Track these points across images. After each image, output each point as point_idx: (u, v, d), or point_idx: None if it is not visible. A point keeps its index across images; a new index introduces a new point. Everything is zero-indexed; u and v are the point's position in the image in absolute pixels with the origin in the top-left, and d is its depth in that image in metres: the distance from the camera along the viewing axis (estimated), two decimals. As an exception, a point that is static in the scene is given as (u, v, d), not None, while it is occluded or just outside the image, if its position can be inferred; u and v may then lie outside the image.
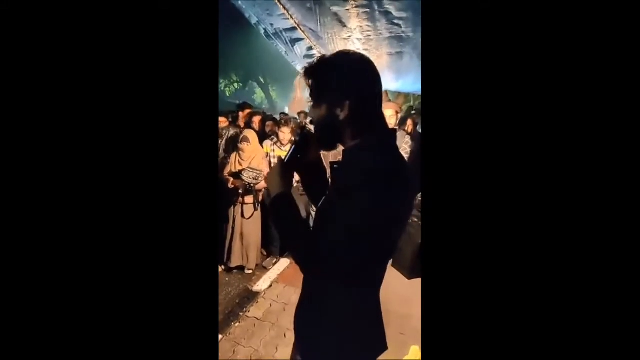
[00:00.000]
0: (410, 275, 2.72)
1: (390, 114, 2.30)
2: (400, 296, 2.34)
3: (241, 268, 2.83)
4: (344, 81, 0.72)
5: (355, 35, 2.96)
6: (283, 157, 0.84)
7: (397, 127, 2.64)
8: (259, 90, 17.84)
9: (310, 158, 0.88)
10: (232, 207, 2.74)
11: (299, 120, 4.56)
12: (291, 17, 2.87)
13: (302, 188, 1.03)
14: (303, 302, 0.86)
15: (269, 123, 3.55)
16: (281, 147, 2.92)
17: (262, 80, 16.62)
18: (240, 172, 2.60)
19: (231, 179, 2.65)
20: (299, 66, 4.05)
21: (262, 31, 3.34)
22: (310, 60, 0.76)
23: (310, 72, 0.75)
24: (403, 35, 2.80)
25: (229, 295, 2.56)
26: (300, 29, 3.06)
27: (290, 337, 0.90)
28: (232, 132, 3.02)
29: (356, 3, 2.48)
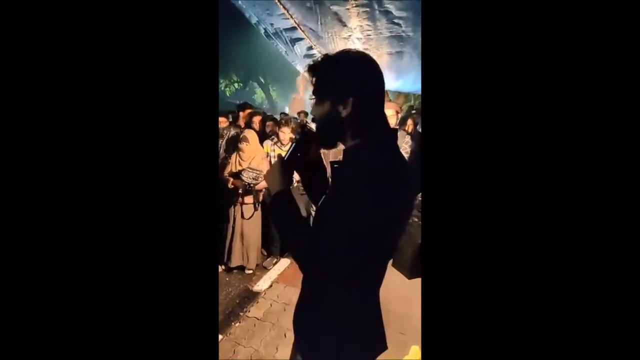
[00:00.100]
0: (410, 275, 2.72)
1: (391, 114, 2.29)
2: (401, 296, 2.34)
3: (241, 268, 2.83)
4: (347, 78, 0.72)
5: (355, 35, 2.95)
6: (283, 155, 0.84)
7: (397, 127, 2.64)
8: (259, 90, 17.84)
9: (311, 157, 0.88)
10: (232, 207, 2.74)
11: (299, 120, 4.56)
12: (291, 16, 2.87)
13: (302, 188, 1.02)
14: (302, 301, 0.86)
15: (269, 123, 3.55)
16: (281, 147, 2.92)
17: (262, 80, 16.62)
18: (240, 172, 2.60)
19: (231, 179, 2.65)
20: (299, 66, 4.06)
21: (262, 31, 3.34)
22: (314, 58, 0.76)
23: (314, 69, 0.75)
24: (403, 34, 2.80)
25: (229, 295, 2.56)
26: (300, 29, 3.06)
27: (291, 337, 0.90)
28: (232, 132, 3.02)
29: (356, 2, 2.48)
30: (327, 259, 0.67)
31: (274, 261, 3.04)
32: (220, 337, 2.04)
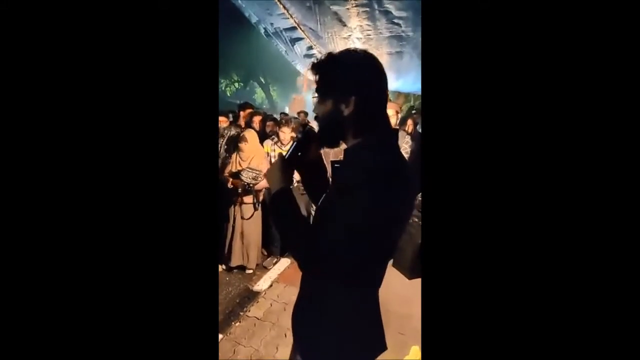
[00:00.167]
0: (410, 276, 2.72)
1: (391, 114, 2.30)
2: (401, 296, 2.34)
3: (242, 268, 2.83)
4: (350, 77, 0.72)
5: (355, 35, 2.95)
6: (284, 154, 0.84)
7: (397, 127, 2.64)
8: (259, 90, 17.83)
9: (312, 156, 0.88)
10: (233, 207, 2.74)
11: (299, 120, 4.56)
12: (291, 16, 2.87)
13: (302, 188, 1.02)
14: (301, 301, 0.86)
15: (269, 123, 3.55)
16: (281, 147, 2.92)
17: (262, 80, 16.61)
18: (239, 172, 2.60)
19: (230, 179, 2.65)
20: (300, 66, 4.05)
21: (262, 30, 3.34)
22: (318, 57, 0.76)
23: (318, 67, 0.75)
24: (403, 34, 2.80)
25: (230, 295, 2.56)
26: (300, 29, 3.06)
27: (291, 337, 0.90)
28: (233, 132, 3.01)
29: (356, 2, 2.47)
30: (327, 258, 0.67)
31: (274, 261, 3.04)
32: (220, 336, 2.04)
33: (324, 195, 0.83)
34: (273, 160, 2.84)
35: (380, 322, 0.83)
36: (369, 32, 2.89)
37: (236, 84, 16.75)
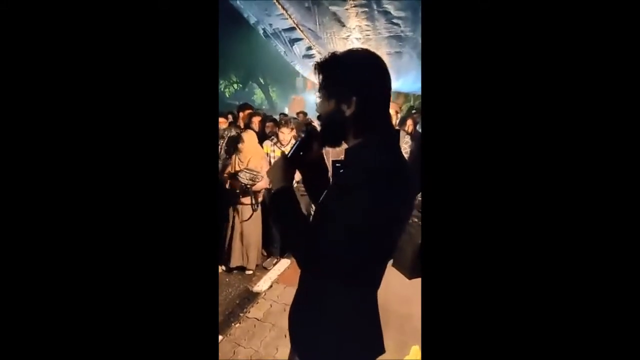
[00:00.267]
0: (410, 275, 2.72)
1: (390, 114, 2.29)
2: (401, 296, 2.34)
3: (241, 268, 2.83)
4: (352, 77, 0.72)
5: (354, 35, 2.96)
6: (286, 153, 0.84)
7: (397, 127, 2.64)
8: (258, 91, 17.83)
9: (314, 155, 0.88)
10: (232, 207, 2.73)
11: (298, 120, 4.56)
12: (290, 16, 2.88)
13: (302, 189, 1.02)
14: (299, 301, 0.86)
15: (269, 124, 3.54)
16: (281, 148, 2.91)
17: (261, 80, 16.61)
18: (237, 173, 2.60)
19: (229, 180, 2.65)
20: (299, 66, 4.06)
21: (261, 31, 3.34)
22: (323, 56, 0.76)
23: (321, 67, 0.75)
24: (402, 34, 2.80)
25: (229, 296, 2.56)
26: (299, 29, 3.06)
27: (291, 337, 0.89)
28: (233, 133, 3.01)
29: (355, 2, 2.48)
30: (326, 257, 0.67)
31: (274, 262, 3.03)
32: (220, 337, 2.04)
33: (323, 194, 0.83)
34: (272, 161, 2.84)
35: (378, 324, 0.83)
36: (368, 33, 2.89)
37: (235, 85, 16.75)
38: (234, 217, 2.74)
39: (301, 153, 0.84)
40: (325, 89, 0.75)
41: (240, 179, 2.56)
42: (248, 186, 2.58)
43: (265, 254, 3.09)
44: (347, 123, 0.74)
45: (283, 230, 0.81)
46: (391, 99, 0.78)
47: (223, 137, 2.97)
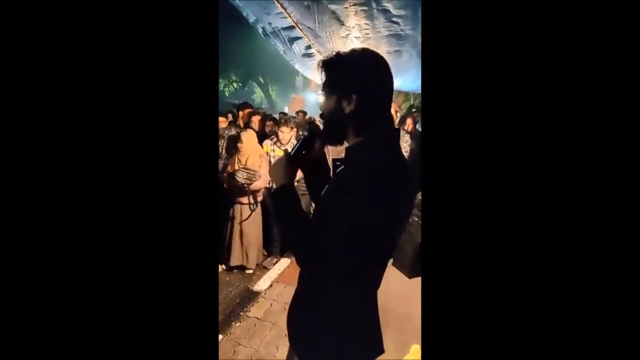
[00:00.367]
0: (410, 275, 2.72)
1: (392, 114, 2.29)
2: (401, 295, 2.34)
3: (242, 268, 2.83)
4: (354, 75, 0.73)
5: (353, 34, 2.95)
6: (289, 151, 0.84)
7: (397, 126, 2.63)
8: (258, 90, 17.81)
9: (316, 154, 0.88)
10: (232, 207, 2.73)
11: (298, 120, 4.55)
12: (289, 15, 2.87)
13: (302, 188, 1.02)
14: (298, 301, 0.86)
15: (268, 123, 3.54)
16: (281, 147, 2.91)
17: (261, 80, 16.59)
18: (234, 172, 2.59)
19: (227, 180, 2.65)
20: (298, 65, 4.05)
21: (260, 30, 3.33)
22: (329, 55, 0.77)
23: (325, 64, 0.76)
24: (402, 33, 2.80)
25: (230, 295, 2.56)
26: (299, 28, 3.06)
27: (291, 337, 0.89)
28: (233, 132, 3.01)
29: (354, 1, 2.47)
30: (326, 256, 0.67)
31: (274, 261, 3.03)
32: (220, 337, 2.04)
33: (323, 191, 0.83)
34: (272, 160, 2.84)
35: (378, 324, 0.83)
36: (367, 31, 2.88)
37: (235, 84, 16.73)
38: (233, 217, 2.74)
39: (303, 152, 0.84)
40: (327, 87, 0.76)
41: (237, 178, 2.55)
42: (245, 185, 2.57)
43: (265, 253, 3.09)
44: (347, 121, 0.74)
45: (283, 229, 0.81)
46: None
47: (223, 137, 2.97)
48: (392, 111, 2.35)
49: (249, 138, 2.66)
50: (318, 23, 2.86)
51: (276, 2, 2.72)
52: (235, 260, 2.76)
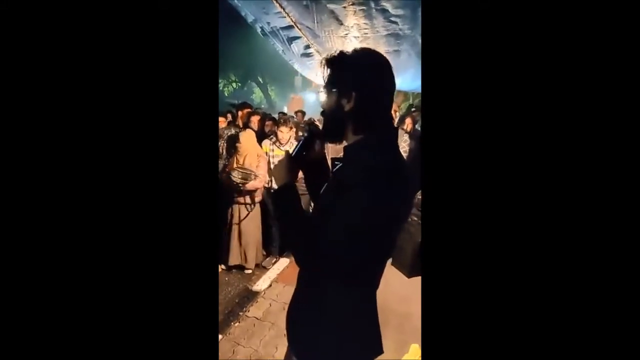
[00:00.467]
0: (410, 274, 2.72)
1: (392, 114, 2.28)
2: (400, 295, 2.34)
3: (241, 267, 2.83)
4: (355, 73, 0.73)
5: (352, 33, 2.95)
6: (290, 151, 0.85)
7: (396, 126, 2.63)
8: (257, 90, 17.81)
9: (316, 154, 0.89)
10: (229, 207, 2.73)
11: (296, 120, 4.55)
12: (288, 15, 2.86)
13: (302, 187, 1.02)
14: (297, 301, 0.86)
15: (268, 123, 3.53)
16: (280, 147, 2.91)
17: (260, 79, 16.58)
18: (230, 172, 2.59)
19: (225, 179, 2.65)
20: (297, 65, 4.04)
21: (259, 29, 3.33)
22: (331, 53, 0.78)
23: (328, 62, 0.77)
24: (400, 32, 2.80)
25: (229, 295, 2.56)
26: (297, 27, 3.05)
27: (290, 337, 0.89)
28: (232, 132, 3.01)
29: (353, 0, 2.47)
30: (325, 256, 0.67)
31: (273, 261, 3.03)
32: (219, 337, 2.04)
33: (322, 190, 0.83)
34: (271, 160, 2.84)
35: (377, 324, 0.83)
36: (366, 31, 2.88)
37: (234, 84, 16.72)
38: (231, 217, 2.74)
39: (304, 153, 0.85)
40: (329, 84, 0.77)
41: (232, 177, 2.55)
42: (240, 185, 2.57)
43: (264, 253, 3.09)
44: (346, 119, 0.74)
45: (284, 228, 0.82)
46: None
47: (222, 137, 2.96)
48: (392, 110, 2.35)
49: (247, 138, 2.65)
50: (317, 22, 2.85)
51: (275, 2, 2.71)
52: (233, 260, 2.75)
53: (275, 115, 4.24)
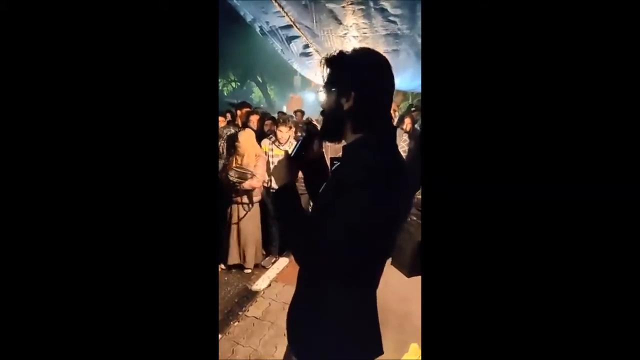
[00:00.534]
0: (409, 274, 2.72)
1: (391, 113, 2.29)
2: (400, 295, 2.34)
3: (240, 267, 2.83)
4: (354, 72, 0.73)
5: (351, 33, 2.95)
6: (290, 152, 0.85)
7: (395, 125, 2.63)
8: (256, 90, 17.79)
9: (315, 154, 0.89)
10: (229, 206, 2.73)
11: (295, 119, 4.55)
12: (286, 14, 2.86)
13: (302, 187, 1.02)
14: (297, 301, 0.86)
15: (267, 122, 3.53)
16: (279, 146, 2.91)
17: (259, 79, 16.57)
18: (227, 171, 2.59)
19: (224, 179, 2.65)
20: (296, 64, 4.04)
21: (258, 29, 3.32)
22: (332, 53, 0.78)
23: (328, 62, 0.77)
24: (399, 32, 2.80)
25: (228, 295, 2.56)
26: (296, 27, 3.05)
27: (290, 336, 0.89)
28: (232, 131, 3.01)
29: (351, 0, 2.46)
30: (325, 255, 0.67)
31: (273, 260, 3.03)
32: (219, 336, 2.04)
33: (321, 190, 0.83)
34: (270, 160, 2.84)
35: (377, 324, 0.83)
36: (364, 30, 2.88)
37: (233, 84, 16.70)
38: (230, 216, 2.74)
39: (303, 153, 0.85)
40: (328, 84, 0.77)
41: (229, 177, 2.55)
42: (237, 185, 2.57)
43: (264, 252, 3.09)
44: (345, 118, 0.74)
45: (284, 228, 0.82)
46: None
47: (221, 137, 2.96)
48: (391, 110, 2.36)
49: (246, 137, 2.65)
50: (316, 22, 2.85)
51: (274, 1, 2.71)
52: (232, 259, 2.76)
53: (275, 115, 4.24)
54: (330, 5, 2.60)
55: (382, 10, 2.54)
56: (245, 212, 2.68)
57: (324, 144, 0.91)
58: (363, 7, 2.54)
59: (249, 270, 2.83)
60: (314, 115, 5.20)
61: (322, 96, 0.80)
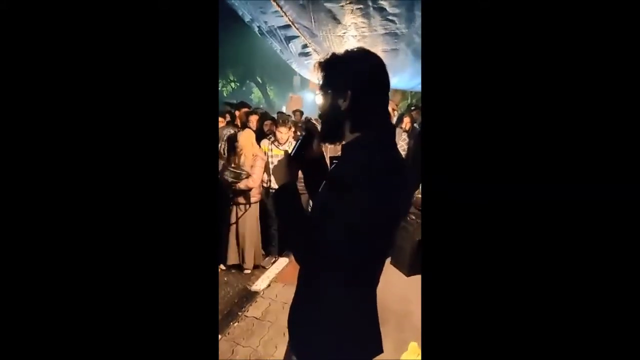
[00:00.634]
0: (409, 273, 2.72)
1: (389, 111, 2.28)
2: (399, 294, 2.34)
3: (240, 267, 2.82)
4: (349, 72, 0.74)
5: (350, 32, 2.94)
6: (289, 151, 0.85)
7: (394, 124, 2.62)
8: (256, 90, 17.79)
9: (314, 153, 0.89)
10: (227, 207, 2.73)
11: (293, 119, 4.55)
12: (285, 14, 2.85)
13: (301, 187, 1.02)
14: (298, 301, 0.86)
15: (266, 122, 3.53)
16: (279, 147, 2.91)
17: (259, 79, 16.57)
18: (225, 172, 2.59)
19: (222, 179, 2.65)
20: (295, 65, 4.04)
21: (256, 29, 3.32)
22: (324, 56, 0.78)
23: (322, 65, 0.77)
24: (398, 31, 2.79)
25: (228, 295, 2.56)
26: (295, 27, 3.04)
27: (290, 336, 0.89)
28: (231, 131, 3.01)
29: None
30: (325, 254, 0.67)
31: (272, 260, 3.03)
32: (219, 337, 2.03)
33: (320, 189, 0.83)
34: (270, 160, 2.84)
35: (377, 323, 0.83)
36: (363, 30, 2.87)
37: (233, 84, 16.69)
38: (229, 216, 2.74)
39: (302, 153, 0.85)
40: (324, 86, 0.77)
41: (225, 177, 2.55)
42: (232, 185, 2.57)
43: (264, 253, 3.09)
44: (343, 118, 0.75)
45: (284, 227, 0.82)
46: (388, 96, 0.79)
47: (221, 137, 2.96)
48: (390, 109, 2.35)
49: (245, 138, 2.65)
50: (314, 22, 2.84)
51: (272, 1, 2.70)
52: (231, 260, 2.75)
53: (274, 115, 4.24)
54: (328, 5, 2.59)
55: (381, 10, 2.53)
56: (242, 213, 2.68)
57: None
58: (361, 6, 2.53)
59: (249, 271, 2.83)
60: (313, 115, 5.20)
61: (319, 99, 0.81)
